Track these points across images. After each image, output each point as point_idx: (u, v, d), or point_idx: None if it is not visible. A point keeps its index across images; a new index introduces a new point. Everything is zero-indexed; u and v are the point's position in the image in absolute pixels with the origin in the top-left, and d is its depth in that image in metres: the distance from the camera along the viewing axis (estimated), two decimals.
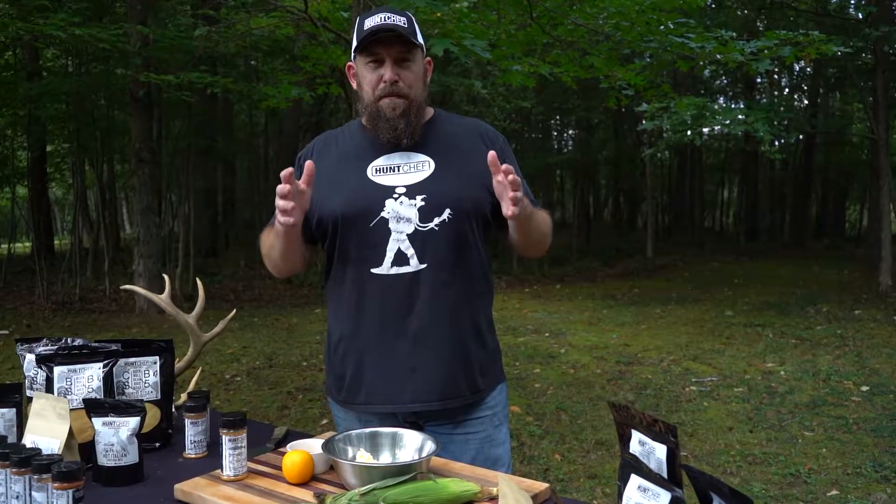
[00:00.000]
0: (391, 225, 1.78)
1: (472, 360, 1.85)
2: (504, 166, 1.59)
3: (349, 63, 1.90)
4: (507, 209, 1.60)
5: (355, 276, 1.83)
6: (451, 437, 1.85)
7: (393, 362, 1.81)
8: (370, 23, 1.75)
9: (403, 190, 1.79)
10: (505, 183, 1.59)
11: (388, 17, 1.75)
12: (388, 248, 1.78)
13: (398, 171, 1.82)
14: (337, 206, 1.82)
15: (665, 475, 1.17)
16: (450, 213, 1.79)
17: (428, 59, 1.90)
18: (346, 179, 1.85)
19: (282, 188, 1.61)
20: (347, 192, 1.83)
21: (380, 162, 1.84)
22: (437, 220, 1.78)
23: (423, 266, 1.78)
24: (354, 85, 1.89)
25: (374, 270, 1.80)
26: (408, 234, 1.78)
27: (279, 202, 1.63)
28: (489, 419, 1.90)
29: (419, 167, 1.83)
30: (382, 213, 1.79)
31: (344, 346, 1.88)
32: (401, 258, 1.78)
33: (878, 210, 12.23)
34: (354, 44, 1.81)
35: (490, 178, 1.82)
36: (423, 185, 1.80)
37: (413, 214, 1.78)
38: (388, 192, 1.80)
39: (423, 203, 1.78)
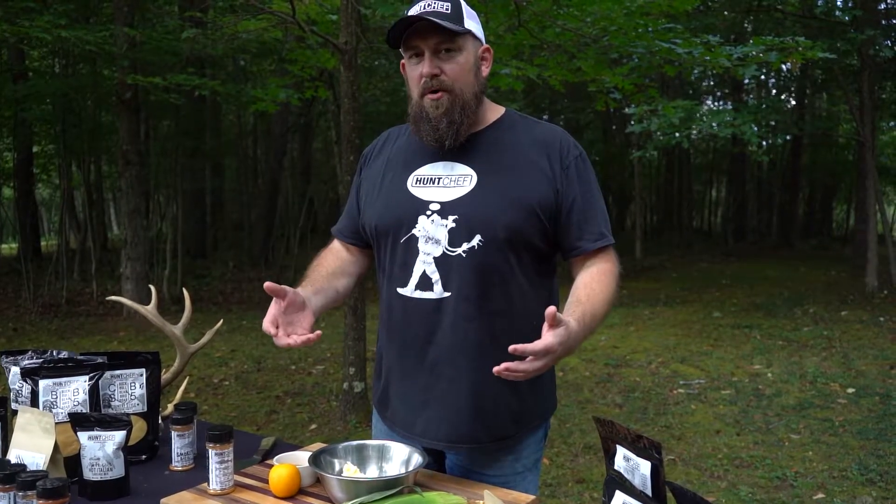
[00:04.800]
0: (420, 245, 1.66)
1: (489, 405, 1.67)
2: (526, 349, 1.38)
3: (402, 61, 1.72)
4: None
5: (388, 291, 1.74)
6: (468, 473, 1.72)
7: (410, 390, 1.72)
8: (410, 12, 1.62)
9: (437, 207, 1.65)
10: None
11: (429, 5, 1.60)
12: (414, 269, 1.67)
13: (438, 183, 1.69)
14: (374, 214, 1.75)
15: (649, 492, 1.17)
16: (480, 240, 1.62)
17: (485, 46, 1.71)
18: (387, 187, 1.75)
19: (270, 331, 1.56)
20: (385, 201, 1.74)
21: (422, 171, 1.71)
22: (465, 246, 1.63)
23: (447, 294, 1.64)
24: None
25: (400, 290, 1.69)
26: (435, 257, 1.64)
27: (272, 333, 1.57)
28: (510, 465, 1.72)
29: (460, 182, 1.67)
30: (414, 231, 1.66)
31: (379, 359, 1.84)
32: (425, 282, 1.65)
33: (865, 211, 12.33)
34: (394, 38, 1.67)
35: (540, 201, 1.65)
36: (457, 204, 1.64)
37: (443, 236, 1.64)
38: (423, 207, 1.67)
39: (454, 225, 1.63)
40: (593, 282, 1.65)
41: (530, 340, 1.43)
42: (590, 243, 1.69)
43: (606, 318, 1.65)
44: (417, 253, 1.66)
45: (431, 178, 1.69)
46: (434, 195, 1.67)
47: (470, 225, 1.63)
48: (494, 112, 1.75)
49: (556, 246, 1.73)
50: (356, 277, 1.89)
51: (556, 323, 1.39)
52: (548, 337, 1.39)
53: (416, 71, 1.65)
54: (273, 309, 1.58)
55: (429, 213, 1.66)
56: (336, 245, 1.91)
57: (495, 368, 1.40)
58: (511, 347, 1.36)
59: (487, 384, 1.62)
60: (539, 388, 1.73)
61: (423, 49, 1.62)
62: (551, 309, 1.38)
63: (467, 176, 1.67)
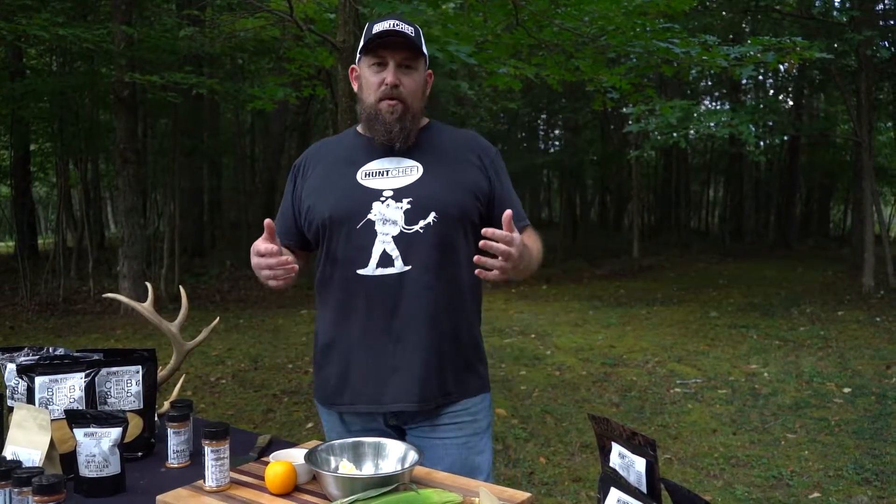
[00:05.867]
0: (377, 227, 1.82)
1: (449, 364, 1.88)
2: (496, 233, 1.61)
3: (352, 66, 1.94)
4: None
5: (342, 277, 1.86)
6: (431, 441, 1.88)
7: (377, 363, 1.85)
8: (379, 27, 1.81)
9: (391, 193, 1.83)
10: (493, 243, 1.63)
11: (397, 24, 1.81)
12: (373, 250, 1.82)
13: (387, 174, 1.86)
14: (325, 208, 1.87)
15: (644, 489, 1.18)
16: (435, 217, 1.82)
17: (429, 71, 1.94)
18: (336, 183, 1.89)
19: (268, 247, 1.66)
20: (336, 194, 1.87)
21: (370, 166, 1.88)
22: (422, 223, 1.82)
23: (408, 268, 1.82)
24: (355, 87, 1.94)
25: (359, 271, 1.83)
26: (393, 237, 1.82)
27: (265, 270, 1.69)
28: (469, 425, 1.92)
29: (408, 171, 1.86)
30: (369, 216, 1.82)
31: (330, 347, 1.92)
32: (386, 260, 1.82)
33: (862, 212, 12.34)
34: (361, 46, 1.86)
35: (478, 187, 1.91)
36: (410, 189, 1.83)
37: (399, 217, 1.82)
38: (376, 194, 1.84)
39: (409, 206, 1.82)
40: (525, 238, 1.84)
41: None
42: (516, 223, 1.86)
43: (537, 264, 1.90)
44: (376, 235, 1.82)
45: (380, 171, 1.88)
46: (385, 184, 1.86)
47: (424, 204, 1.83)
48: (424, 121, 1.99)
49: (484, 224, 1.91)
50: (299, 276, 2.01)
51: (511, 227, 1.63)
52: (509, 230, 1.62)
53: (377, 77, 1.84)
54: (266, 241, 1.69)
55: (383, 198, 1.84)
56: None
57: (478, 266, 1.60)
58: (484, 231, 1.59)
59: (447, 344, 1.86)
60: (482, 356, 1.99)
61: (389, 61, 1.82)
62: (508, 212, 1.62)
63: (414, 166, 1.87)
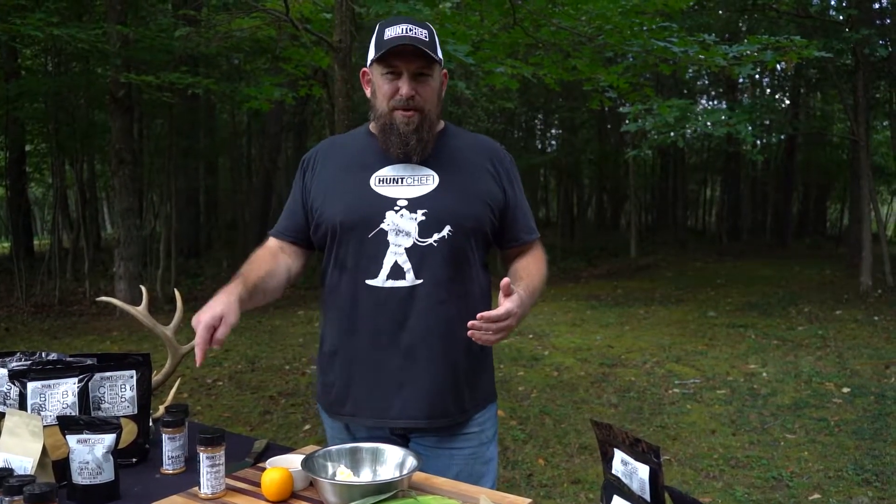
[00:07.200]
0: (390, 237, 1.76)
1: (461, 381, 1.83)
2: (491, 315, 1.60)
3: (364, 69, 1.85)
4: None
5: (350, 285, 1.81)
6: (437, 452, 1.84)
7: (382, 377, 1.79)
8: (391, 33, 1.72)
9: (405, 203, 1.77)
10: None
11: (410, 30, 1.71)
12: (385, 261, 1.76)
13: (402, 182, 1.80)
14: (336, 213, 1.81)
15: (648, 497, 1.15)
16: (450, 230, 1.77)
17: (444, 71, 1.86)
18: (348, 187, 1.83)
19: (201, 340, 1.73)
20: (348, 199, 1.81)
21: (384, 172, 1.81)
22: (436, 237, 1.76)
23: (420, 282, 1.76)
24: (367, 92, 1.85)
25: (369, 282, 1.77)
26: (406, 248, 1.76)
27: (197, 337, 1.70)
28: (476, 436, 1.89)
29: (423, 181, 1.80)
30: (382, 225, 1.76)
31: (334, 355, 1.87)
32: (397, 272, 1.76)
33: (859, 210, 12.34)
34: (372, 53, 1.77)
35: (493, 197, 1.86)
36: (424, 200, 1.77)
37: (413, 228, 1.76)
38: (390, 203, 1.77)
39: (423, 218, 1.76)
40: (529, 265, 1.89)
41: None
42: (527, 235, 1.94)
43: (543, 293, 1.89)
44: (388, 245, 1.76)
45: (394, 179, 1.80)
46: (399, 193, 1.79)
47: (440, 217, 1.77)
48: (439, 125, 1.90)
49: (496, 237, 1.91)
50: (285, 281, 1.93)
51: (509, 292, 1.62)
52: (506, 303, 1.61)
53: (390, 86, 1.75)
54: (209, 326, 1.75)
55: (396, 208, 1.77)
56: (273, 246, 1.95)
57: (471, 329, 1.59)
58: (479, 315, 1.58)
59: (459, 361, 1.81)
60: (490, 368, 1.95)
61: (403, 70, 1.74)
62: (505, 280, 1.62)
63: (429, 175, 1.80)
